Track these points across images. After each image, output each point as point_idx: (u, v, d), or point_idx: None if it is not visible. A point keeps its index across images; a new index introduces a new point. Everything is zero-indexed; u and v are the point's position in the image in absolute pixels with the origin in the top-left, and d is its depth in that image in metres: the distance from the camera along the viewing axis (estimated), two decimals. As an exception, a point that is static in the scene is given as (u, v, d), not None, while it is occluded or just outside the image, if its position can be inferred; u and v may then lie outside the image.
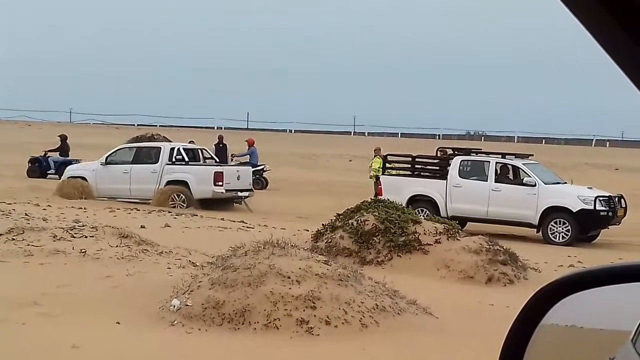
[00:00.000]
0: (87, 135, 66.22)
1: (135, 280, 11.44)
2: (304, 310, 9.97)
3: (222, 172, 27.04)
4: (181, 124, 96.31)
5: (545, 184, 22.82)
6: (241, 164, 32.27)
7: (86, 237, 13.65)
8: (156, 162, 27.59)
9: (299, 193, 28.54)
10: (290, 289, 10.20)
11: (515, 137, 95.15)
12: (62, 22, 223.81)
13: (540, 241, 22.40)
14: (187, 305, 10.19)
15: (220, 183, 26.68)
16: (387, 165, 26.14)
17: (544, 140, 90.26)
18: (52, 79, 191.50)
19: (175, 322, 9.98)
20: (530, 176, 22.92)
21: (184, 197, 26.55)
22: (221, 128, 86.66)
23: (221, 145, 35.27)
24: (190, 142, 34.16)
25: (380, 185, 24.72)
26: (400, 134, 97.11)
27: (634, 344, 2.07)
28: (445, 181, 23.87)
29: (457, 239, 15.25)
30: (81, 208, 22.66)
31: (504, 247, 15.12)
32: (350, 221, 15.80)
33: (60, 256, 12.55)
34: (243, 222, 21.73)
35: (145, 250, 13.21)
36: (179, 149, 28.18)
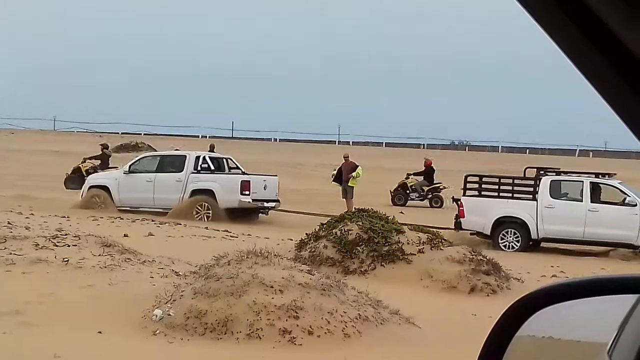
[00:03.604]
0: (71, 143, 65.96)
1: (117, 290, 11.38)
2: (286, 320, 9.96)
3: (249, 181, 26.60)
4: (166, 132, 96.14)
5: None
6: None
7: (69, 245, 13.57)
8: (181, 171, 27.02)
9: (284, 202, 28.43)
10: (273, 298, 10.19)
11: (500, 147, 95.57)
12: (46, 30, 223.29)
13: (523, 251, 22.36)
14: (170, 315, 10.16)
15: (247, 192, 26.17)
16: (468, 185, 24.58)
17: (527, 150, 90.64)
18: (35, 86, 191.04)
19: (158, 331, 9.94)
20: (630, 196, 22.28)
21: (209, 207, 26.05)
22: (206, 137, 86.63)
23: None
24: (174, 150, 34.05)
25: (462, 207, 23.61)
26: (385, 143, 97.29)
27: (610, 355, 2.08)
28: (535, 202, 22.97)
29: (441, 249, 15.25)
30: (64, 217, 22.55)
31: (487, 257, 15.14)
32: (334, 231, 15.80)
33: (42, 265, 12.47)
34: (227, 231, 21.68)
35: (128, 259, 13.14)
36: (204, 158, 27.63)
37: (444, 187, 35.93)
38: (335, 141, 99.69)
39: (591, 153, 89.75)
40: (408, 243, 15.30)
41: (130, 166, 27.97)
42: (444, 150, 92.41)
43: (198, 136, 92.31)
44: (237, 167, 28.89)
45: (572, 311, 1.88)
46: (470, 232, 23.48)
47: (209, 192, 26.42)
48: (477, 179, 25.03)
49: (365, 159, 40.75)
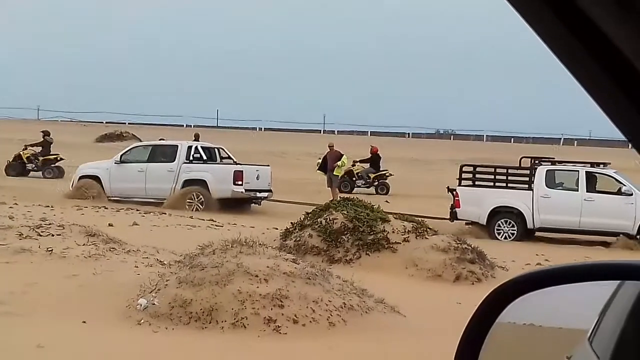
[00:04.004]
0: (55, 132, 65.66)
1: (102, 279, 11.36)
2: (271, 309, 9.96)
3: (242, 171, 26.50)
4: (150, 121, 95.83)
5: None
6: None
7: (53, 235, 13.52)
8: (173, 161, 26.92)
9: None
10: (258, 287, 10.18)
11: (484, 136, 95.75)
12: (28, 18, 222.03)
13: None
14: (154, 304, 10.14)
15: (240, 182, 26.10)
16: (463, 175, 24.43)
17: (512, 139, 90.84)
18: (19, 75, 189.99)
19: (142, 321, 9.93)
20: (626, 185, 22.37)
21: (202, 197, 25.92)
22: (191, 126, 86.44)
23: None
24: (160, 140, 33.92)
25: (458, 197, 23.61)
26: (370, 132, 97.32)
27: (591, 342, 2.08)
28: (530, 192, 23.11)
29: (426, 238, 15.28)
30: (48, 206, 22.46)
31: (472, 246, 15.19)
32: (319, 220, 15.80)
33: (26, 255, 12.42)
34: (212, 220, 21.66)
35: (112, 248, 13.11)
36: (196, 148, 27.57)
37: (390, 175, 36.09)
38: (321, 130, 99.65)
39: (575, 142, 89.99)
40: (393, 232, 15.32)
41: (121, 156, 27.79)
42: (429, 139, 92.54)
43: (183, 125, 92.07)
44: (229, 157, 28.81)
45: (553, 298, 1.88)
46: (465, 222, 23.55)
47: (202, 183, 26.33)
48: (471, 169, 24.99)
49: (351, 148, 40.75)
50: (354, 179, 36.09)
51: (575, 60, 1.18)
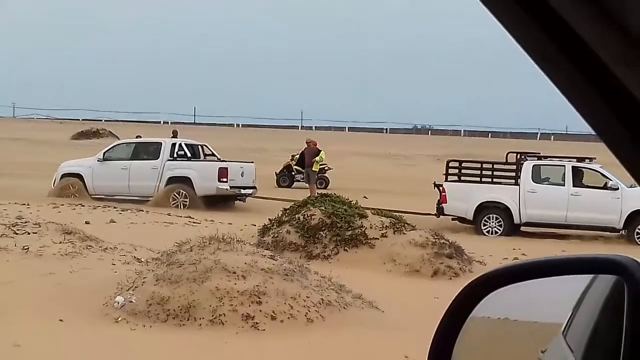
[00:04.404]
0: (31, 130, 65.32)
1: (79, 277, 11.30)
2: (249, 306, 9.96)
3: (227, 168, 26.34)
4: (127, 118, 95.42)
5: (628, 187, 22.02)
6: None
7: (29, 233, 13.43)
8: (157, 158, 26.73)
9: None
10: (235, 284, 10.17)
11: (462, 131, 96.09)
12: (1, 17, 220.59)
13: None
14: (132, 301, 10.11)
15: (224, 179, 25.96)
16: (450, 171, 24.49)
17: (489, 134, 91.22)
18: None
19: (120, 318, 9.89)
20: (612, 180, 22.31)
21: (186, 195, 25.79)
22: (167, 122, 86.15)
23: None
24: (137, 137, 33.76)
25: (444, 192, 23.57)
26: (348, 127, 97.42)
27: (565, 336, 2.09)
28: (517, 187, 23.11)
29: (404, 233, 15.32)
30: (24, 204, 22.29)
31: (450, 241, 15.24)
32: (297, 216, 15.81)
33: (1, 253, 12.33)
34: (190, 217, 21.59)
35: (89, 246, 13.04)
36: (180, 145, 27.39)
37: (329, 168, 35.98)
38: (299, 126, 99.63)
39: (552, 136, 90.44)
40: (371, 227, 15.34)
41: (104, 154, 27.59)
42: (407, 134, 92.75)
43: (160, 122, 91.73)
44: (213, 154, 28.67)
45: (527, 292, 1.88)
46: (452, 217, 23.60)
47: (186, 180, 26.18)
48: (457, 164, 24.96)
49: (328, 144, 40.77)
50: (293, 173, 35.91)
51: (549, 61, 1.18)
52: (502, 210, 23.05)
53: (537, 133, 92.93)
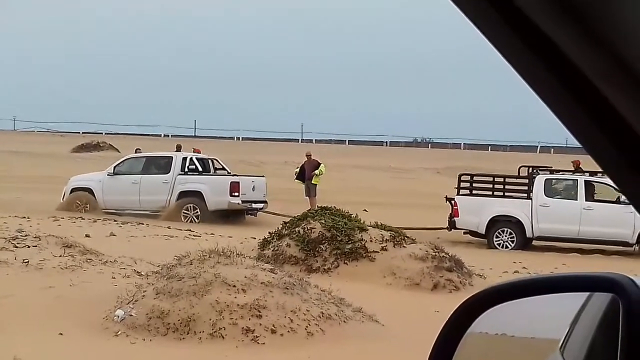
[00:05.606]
0: (32, 143, 65.34)
1: (79, 291, 11.30)
2: (249, 319, 9.96)
3: (239, 182, 26.27)
4: (127, 131, 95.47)
5: None
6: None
7: (29, 246, 13.44)
8: (167, 172, 26.64)
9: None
10: (235, 297, 10.18)
11: (462, 144, 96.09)
12: (1, 29, 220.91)
13: (485, 247, 22.49)
14: (132, 315, 10.11)
15: (236, 193, 25.86)
16: (462, 185, 24.43)
17: (489, 147, 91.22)
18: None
19: (120, 332, 9.89)
20: None
21: (198, 209, 25.76)
22: (168, 136, 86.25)
23: None
24: (137, 151, 33.74)
25: (456, 206, 23.50)
26: (348, 141, 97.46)
27: (562, 352, 2.10)
28: (529, 201, 23.01)
29: (404, 246, 15.30)
30: (25, 217, 22.30)
31: (450, 254, 15.22)
32: (296, 229, 15.78)
33: (2, 266, 12.34)
34: (189, 230, 21.61)
35: (89, 259, 13.05)
36: (191, 159, 27.32)
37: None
38: (299, 139, 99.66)
39: (552, 149, 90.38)
40: (371, 240, 15.33)
41: (114, 168, 27.49)
42: (407, 147, 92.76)
43: (160, 135, 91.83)
44: (223, 168, 28.62)
45: (525, 308, 1.89)
46: (463, 231, 23.58)
47: (198, 194, 26.10)
48: (469, 178, 24.96)
49: (328, 157, 40.79)
50: None
51: (533, 75, 1.20)
52: (514, 224, 23.02)
53: (537, 146, 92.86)
